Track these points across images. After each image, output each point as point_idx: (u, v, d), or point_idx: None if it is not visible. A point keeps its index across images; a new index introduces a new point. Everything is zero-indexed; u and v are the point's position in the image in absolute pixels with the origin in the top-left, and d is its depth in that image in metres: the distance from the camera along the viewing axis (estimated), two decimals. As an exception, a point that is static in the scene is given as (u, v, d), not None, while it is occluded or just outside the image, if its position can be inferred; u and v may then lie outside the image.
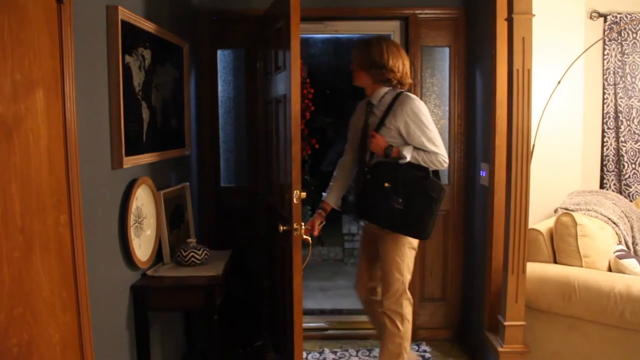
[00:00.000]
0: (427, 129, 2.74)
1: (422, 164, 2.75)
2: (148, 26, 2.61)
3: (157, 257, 2.74)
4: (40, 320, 1.68)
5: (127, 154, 2.35)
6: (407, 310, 2.89)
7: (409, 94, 2.83)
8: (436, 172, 2.82)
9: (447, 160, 2.78)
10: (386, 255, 2.86)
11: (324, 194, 3.14)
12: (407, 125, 2.73)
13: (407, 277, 2.87)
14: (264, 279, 3.63)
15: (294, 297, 2.65)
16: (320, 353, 3.56)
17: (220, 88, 3.72)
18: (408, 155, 2.73)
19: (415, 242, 2.87)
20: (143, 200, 2.57)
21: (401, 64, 2.82)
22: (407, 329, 2.90)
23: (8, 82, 1.53)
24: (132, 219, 2.42)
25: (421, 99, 3.25)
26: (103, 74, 2.22)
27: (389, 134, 2.78)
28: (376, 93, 2.87)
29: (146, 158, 2.61)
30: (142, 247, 2.56)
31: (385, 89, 2.86)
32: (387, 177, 2.76)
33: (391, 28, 3.74)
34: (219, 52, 3.69)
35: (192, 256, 2.74)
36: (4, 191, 1.51)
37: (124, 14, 2.31)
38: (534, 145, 2.84)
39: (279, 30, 2.92)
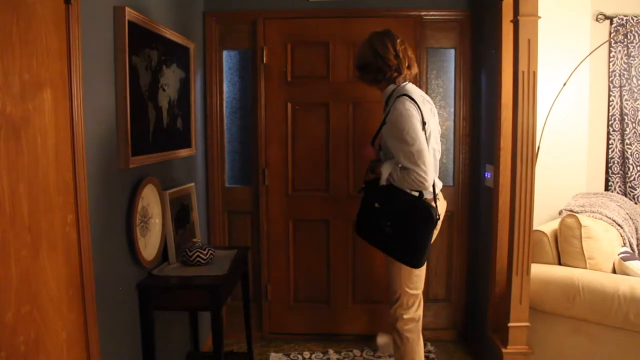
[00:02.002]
0: (403, 140, 2.37)
1: (397, 184, 2.42)
2: (155, 27, 2.62)
3: (163, 256, 2.75)
4: (47, 318, 1.69)
5: (133, 154, 2.36)
6: (405, 325, 2.63)
7: (404, 95, 2.45)
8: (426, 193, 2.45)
9: (426, 180, 2.35)
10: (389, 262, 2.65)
11: None
12: (388, 134, 2.44)
13: (408, 291, 2.59)
14: (289, 275, 3.71)
15: None
16: (324, 353, 3.57)
17: (226, 89, 3.74)
18: (385, 173, 2.44)
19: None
20: (149, 200, 2.59)
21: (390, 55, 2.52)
22: (408, 348, 2.64)
23: (16, 82, 1.55)
24: (138, 218, 2.43)
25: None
26: (110, 74, 2.24)
27: (385, 144, 2.51)
28: (383, 94, 2.64)
29: (152, 158, 2.62)
30: (148, 246, 2.57)
31: (391, 88, 2.58)
32: (376, 196, 2.49)
33: (396, 29, 3.75)
34: (225, 53, 3.70)
35: (198, 256, 2.75)
36: (12, 191, 1.52)
37: (131, 14, 2.32)
38: (539, 147, 2.83)
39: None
